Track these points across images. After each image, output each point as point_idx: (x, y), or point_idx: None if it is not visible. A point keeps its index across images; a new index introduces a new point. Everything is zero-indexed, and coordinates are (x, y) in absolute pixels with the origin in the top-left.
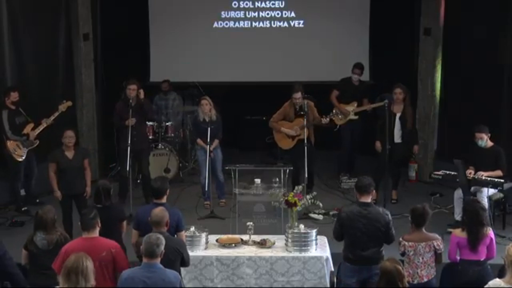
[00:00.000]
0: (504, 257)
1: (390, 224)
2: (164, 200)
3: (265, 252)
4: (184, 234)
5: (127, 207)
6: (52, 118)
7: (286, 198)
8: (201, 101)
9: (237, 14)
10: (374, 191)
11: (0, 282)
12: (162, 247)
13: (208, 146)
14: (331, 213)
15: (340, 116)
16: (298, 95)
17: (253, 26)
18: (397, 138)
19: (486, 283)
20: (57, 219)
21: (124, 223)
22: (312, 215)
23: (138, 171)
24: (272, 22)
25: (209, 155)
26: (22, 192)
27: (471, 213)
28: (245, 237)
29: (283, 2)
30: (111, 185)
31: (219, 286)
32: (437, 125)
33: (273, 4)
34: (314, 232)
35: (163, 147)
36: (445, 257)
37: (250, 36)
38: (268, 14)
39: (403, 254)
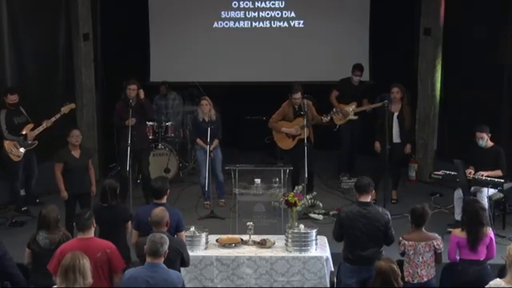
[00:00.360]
0: (504, 257)
1: (389, 224)
2: (164, 200)
3: (265, 252)
4: (184, 234)
5: (127, 207)
6: (53, 119)
7: (286, 198)
8: (201, 101)
9: (237, 14)
10: (373, 191)
11: (0, 282)
12: (166, 247)
13: (208, 146)
14: (331, 213)
15: (340, 115)
16: (298, 95)
17: (253, 26)
18: (396, 138)
19: (486, 283)
20: (60, 219)
21: (129, 223)
22: (312, 215)
23: (138, 171)
24: (272, 22)
25: (209, 155)
26: (22, 192)
27: (470, 213)
28: (245, 237)
29: (283, 2)
30: (117, 185)
31: (219, 286)
32: (437, 125)
33: (273, 4)
34: (314, 232)
35: (163, 147)
36: (445, 257)
37: (250, 36)
38: (268, 14)
39: (403, 253)
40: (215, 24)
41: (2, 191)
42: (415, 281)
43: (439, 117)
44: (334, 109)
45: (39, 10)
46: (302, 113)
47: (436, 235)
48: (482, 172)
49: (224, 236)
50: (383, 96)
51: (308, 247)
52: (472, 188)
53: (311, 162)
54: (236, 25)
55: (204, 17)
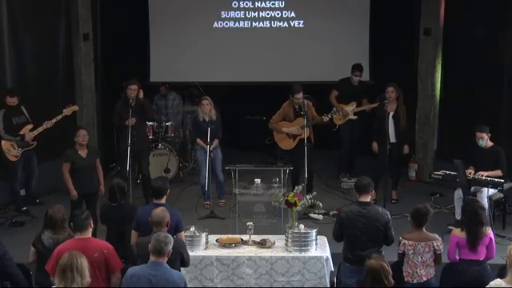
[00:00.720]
0: (505, 257)
1: (389, 224)
2: (163, 200)
3: (265, 252)
4: (183, 235)
5: (136, 206)
6: (53, 120)
7: (286, 198)
8: (201, 101)
9: (237, 14)
10: (373, 191)
11: (0, 282)
12: (170, 246)
13: (208, 146)
14: (331, 213)
15: (340, 115)
16: (300, 95)
17: (253, 26)
18: (392, 138)
19: (485, 283)
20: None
21: None
22: (312, 215)
23: (138, 171)
24: (272, 22)
25: (209, 155)
26: (22, 192)
27: (470, 213)
28: (245, 237)
29: (283, 2)
30: (125, 184)
31: (219, 286)
32: (437, 125)
33: (273, 4)
34: (314, 232)
35: (163, 147)
36: (445, 257)
37: (250, 36)
38: (268, 14)
39: (403, 253)
40: (215, 24)
41: (2, 191)
42: (415, 281)
43: (439, 117)
44: (334, 109)
45: (39, 10)
46: (301, 113)
47: (436, 235)
48: (482, 172)
49: (224, 236)
50: (383, 96)
51: (308, 247)
52: (472, 188)
53: (311, 162)
54: (236, 25)
55: (204, 17)
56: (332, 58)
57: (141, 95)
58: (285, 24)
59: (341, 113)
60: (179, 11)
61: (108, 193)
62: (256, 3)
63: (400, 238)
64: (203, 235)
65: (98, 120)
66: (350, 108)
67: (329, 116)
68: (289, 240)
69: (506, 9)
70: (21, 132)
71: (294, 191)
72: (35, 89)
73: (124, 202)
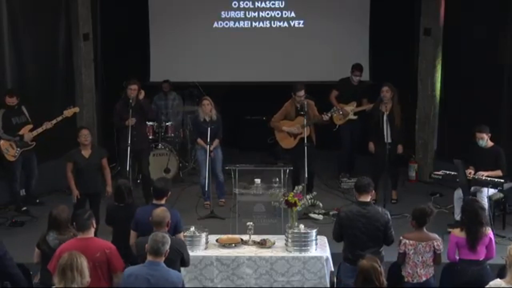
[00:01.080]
0: (504, 257)
1: (389, 224)
2: (163, 201)
3: (265, 252)
4: (182, 235)
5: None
6: (53, 121)
7: (286, 198)
8: (202, 101)
9: (237, 14)
10: (373, 191)
11: (0, 282)
12: (167, 246)
13: (208, 146)
14: (331, 213)
15: (340, 114)
16: (302, 93)
17: (253, 26)
18: (387, 138)
19: (485, 283)
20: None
21: None
22: (312, 215)
23: (138, 171)
24: (272, 22)
25: (209, 155)
26: (22, 192)
27: (470, 212)
28: (245, 237)
29: (283, 2)
30: (130, 183)
31: (219, 286)
32: (437, 125)
33: (273, 4)
34: (314, 232)
35: (163, 147)
36: (445, 257)
37: (250, 36)
38: (268, 14)
39: (403, 253)
40: (215, 24)
41: (2, 191)
42: (415, 281)
43: (439, 117)
44: (334, 108)
45: (39, 10)
46: (301, 113)
47: (436, 235)
48: (482, 172)
49: (224, 236)
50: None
51: (308, 247)
52: (472, 188)
53: (312, 162)
54: (236, 25)
55: (204, 17)
56: (332, 58)
57: (142, 95)
58: (285, 24)
59: (341, 113)
60: (179, 11)
61: (114, 194)
62: (256, 3)
63: (401, 238)
64: (203, 235)
65: (98, 120)
66: (350, 108)
67: (329, 115)
68: (289, 240)
69: (506, 9)
70: (21, 132)
71: (294, 191)
72: (35, 89)
73: (132, 201)
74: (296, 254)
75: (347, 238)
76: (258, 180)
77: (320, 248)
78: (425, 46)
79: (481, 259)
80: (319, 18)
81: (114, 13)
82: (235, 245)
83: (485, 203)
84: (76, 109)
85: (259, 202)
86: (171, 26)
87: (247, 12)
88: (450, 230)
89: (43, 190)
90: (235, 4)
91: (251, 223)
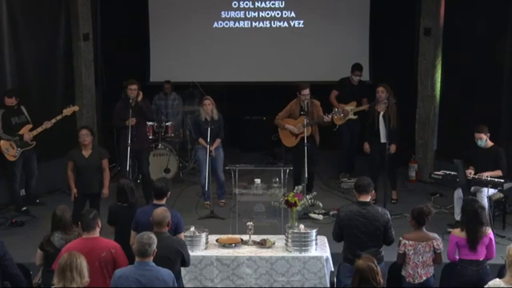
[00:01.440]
0: (504, 257)
1: (389, 224)
2: (163, 201)
3: (265, 252)
4: (183, 236)
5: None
6: (53, 121)
7: (286, 198)
8: (203, 101)
9: (237, 14)
10: (373, 191)
11: (0, 282)
12: (154, 246)
13: (208, 146)
14: (331, 213)
15: (341, 115)
16: (306, 92)
17: (253, 26)
18: (383, 138)
19: (485, 283)
20: None
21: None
22: (312, 215)
23: (138, 171)
24: (272, 22)
25: (209, 155)
26: (22, 192)
27: (470, 212)
28: (245, 237)
29: (283, 2)
30: (132, 183)
31: (219, 286)
32: (437, 125)
33: (273, 4)
34: (314, 232)
35: (163, 147)
36: (445, 257)
37: (250, 36)
38: (268, 14)
39: (403, 254)
40: (215, 24)
41: (2, 191)
42: (416, 281)
43: (439, 117)
44: (336, 109)
45: (39, 10)
46: (302, 112)
47: (436, 235)
48: (483, 173)
49: (224, 236)
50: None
51: (308, 247)
52: (472, 188)
53: (314, 162)
54: (236, 25)
55: (204, 17)
56: (332, 58)
57: (140, 97)
58: (285, 24)
59: (341, 114)
60: (179, 11)
61: (117, 194)
62: (256, 3)
63: (401, 238)
64: (203, 235)
65: (98, 120)
66: (350, 107)
67: (330, 116)
68: (289, 240)
69: (506, 9)
70: (21, 132)
71: (294, 191)
72: (35, 89)
73: (134, 201)
74: (296, 254)
75: (347, 238)
76: (258, 180)
77: (320, 248)
78: (425, 46)
79: (481, 259)
80: (319, 18)
81: (114, 13)
82: (235, 245)
83: (485, 203)
84: (76, 108)
85: (259, 202)
86: (171, 26)
87: (247, 12)
88: (450, 230)
89: (43, 190)
90: (235, 4)
91: (251, 223)
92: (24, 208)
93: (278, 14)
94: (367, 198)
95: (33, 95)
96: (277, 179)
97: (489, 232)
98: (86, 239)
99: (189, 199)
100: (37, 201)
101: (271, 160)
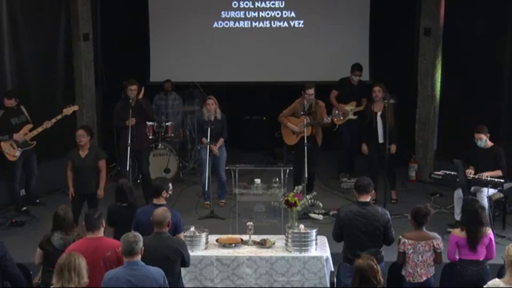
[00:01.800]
0: (503, 257)
1: (389, 224)
2: (162, 201)
3: (265, 252)
4: (183, 236)
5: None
6: (53, 120)
7: (286, 198)
8: (207, 100)
9: (237, 14)
10: (373, 191)
11: (0, 282)
12: (141, 244)
13: (208, 146)
14: (331, 213)
15: (341, 118)
16: (311, 91)
17: (253, 26)
18: (381, 138)
19: (485, 283)
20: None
21: None
22: (312, 215)
23: (138, 171)
24: (272, 22)
25: (209, 155)
26: (22, 192)
27: (470, 212)
28: (245, 237)
29: (283, 2)
30: (130, 183)
31: (219, 286)
32: (437, 125)
33: (273, 4)
34: (314, 232)
35: (163, 147)
36: (445, 257)
37: (250, 36)
38: (268, 14)
39: (403, 253)
40: (215, 24)
41: (2, 191)
42: (415, 281)
43: (439, 117)
44: (337, 112)
45: (39, 10)
46: (302, 112)
47: (436, 234)
48: (482, 173)
49: (224, 236)
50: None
51: (308, 247)
52: (472, 188)
53: (314, 162)
54: (236, 25)
55: (204, 17)
56: (332, 58)
57: (141, 94)
58: (285, 24)
59: (341, 117)
60: (179, 11)
61: (116, 194)
62: (256, 3)
63: (400, 237)
64: (203, 235)
65: (98, 120)
66: (350, 107)
67: (329, 118)
68: (289, 240)
69: (506, 9)
70: (21, 132)
71: (294, 191)
72: (35, 89)
73: (134, 201)
74: (296, 254)
75: (347, 238)
76: (258, 180)
77: (320, 248)
78: (425, 46)
79: (481, 259)
80: (319, 18)
81: (114, 13)
82: (235, 245)
83: (485, 203)
84: (76, 107)
85: (259, 202)
86: (171, 26)
87: (247, 12)
88: (450, 230)
89: (43, 190)
90: (235, 4)
91: (251, 223)
92: (24, 208)
93: (278, 14)
94: (367, 198)
95: (33, 95)
96: (277, 179)
97: (489, 232)
98: (91, 238)
99: (189, 199)
100: (37, 201)
101: (271, 160)
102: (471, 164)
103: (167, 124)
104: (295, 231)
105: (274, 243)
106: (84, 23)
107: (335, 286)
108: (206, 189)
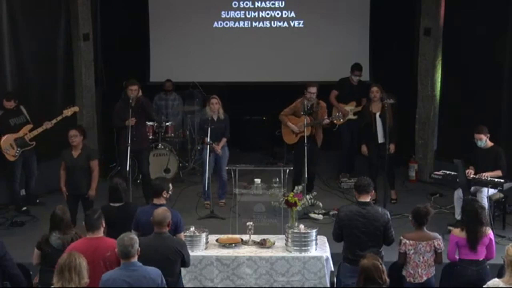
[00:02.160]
0: (503, 257)
1: (389, 224)
2: (162, 201)
3: (265, 252)
4: (183, 236)
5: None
6: (53, 121)
7: (286, 198)
8: (210, 99)
9: (237, 14)
10: (373, 191)
11: (0, 282)
12: (137, 245)
13: (208, 146)
14: (331, 213)
15: (341, 120)
16: (313, 90)
17: (253, 26)
18: (380, 138)
19: (485, 283)
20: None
21: None
22: (312, 215)
23: (138, 171)
24: (272, 22)
25: (210, 155)
26: (22, 192)
27: (470, 212)
28: (245, 237)
29: (283, 2)
30: (124, 182)
31: (219, 286)
32: (437, 125)
33: (273, 4)
34: (314, 232)
35: (163, 147)
36: (445, 257)
37: (250, 36)
38: (268, 14)
39: (404, 253)
40: (215, 24)
41: (2, 191)
42: (416, 281)
43: (439, 117)
44: (337, 114)
45: (39, 10)
46: (302, 113)
47: (437, 234)
48: (482, 173)
49: (224, 236)
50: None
51: (308, 247)
52: (472, 188)
53: (314, 162)
54: (236, 25)
55: (204, 17)
56: (332, 58)
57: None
58: (285, 24)
59: (341, 120)
60: (179, 11)
61: (110, 194)
62: (256, 3)
63: (401, 237)
64: (203, 235)
65: (98, 120)
66: (350, 108)
67: (329, 120)
68: (289, 240)
69: (506, 9)
70: (21, 132)
71: (294, 191)
72: (35, 89)
73: (128, 200)
74: (296, 254)
75: (346, 238)
76: (258, 180)
77: (320, 248)
78: (425, 46)
79: (481, 259)
80: (319, 18)
81: (114, 13)
82: (235, 245)
83: (485, 203)
84: (76, 108)
85: (259, 202)
86: (171, 26)
87: (247, 12)
88: (450, 229)
89: (43, 190)
90: (235, 4)
91: (251, 223)
92: (24, 208)
93: (278, 14)
94: (367, 198)
95: (33, 95)
96: (277, 179)
97: (489, 232)
98: (91, 238)
99: (189, 199)
100: (37, 201)
101: (271, 160)
102: (471, 164)
103: (167, 124)
104: (295, 231)
105: (274, 243)
106: (84, 23)
107: (335, 286)
108: (206, 189)
